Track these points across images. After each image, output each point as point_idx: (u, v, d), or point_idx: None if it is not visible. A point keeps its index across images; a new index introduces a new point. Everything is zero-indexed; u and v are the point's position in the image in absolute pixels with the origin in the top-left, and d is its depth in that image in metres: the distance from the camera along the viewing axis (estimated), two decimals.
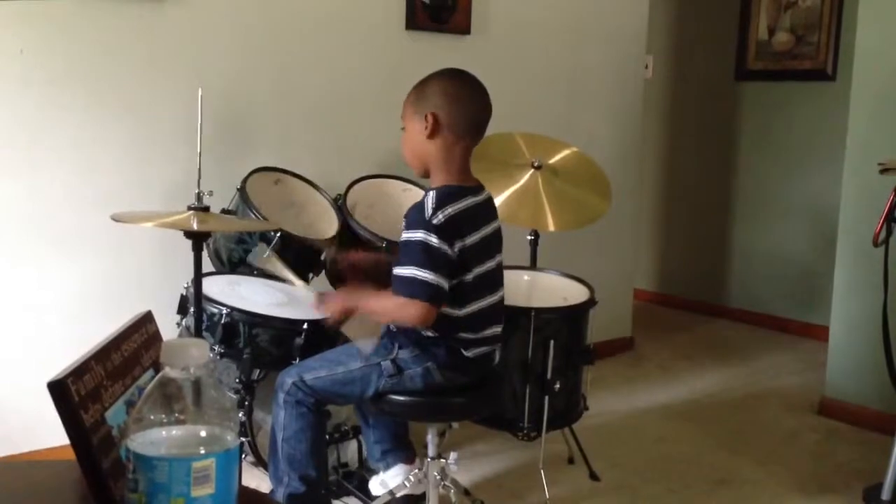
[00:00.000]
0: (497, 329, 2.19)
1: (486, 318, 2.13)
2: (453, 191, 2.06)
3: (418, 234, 1.98)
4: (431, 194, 2.04)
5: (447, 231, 1.99)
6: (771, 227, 4.94)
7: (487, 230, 2.12)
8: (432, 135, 2.06)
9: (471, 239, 2.04)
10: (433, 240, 1.97)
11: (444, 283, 1.99)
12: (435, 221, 1.98)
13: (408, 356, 2.11)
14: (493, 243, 2.17)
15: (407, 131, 2.13)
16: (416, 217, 2.02)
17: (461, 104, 2.06)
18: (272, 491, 2.21)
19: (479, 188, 2.15)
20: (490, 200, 2.20)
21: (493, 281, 2.16)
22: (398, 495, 2.37)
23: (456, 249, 2.00)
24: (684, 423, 3.47)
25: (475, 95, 2.10)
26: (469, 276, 2.05)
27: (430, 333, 2.09)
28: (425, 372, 2.11)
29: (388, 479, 2.45)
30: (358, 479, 2.57)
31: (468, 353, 2.12)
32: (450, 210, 2.00)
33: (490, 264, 2.13)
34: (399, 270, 2.00)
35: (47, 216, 2.71)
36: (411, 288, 1.97)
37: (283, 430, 2.16)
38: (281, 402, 2.17)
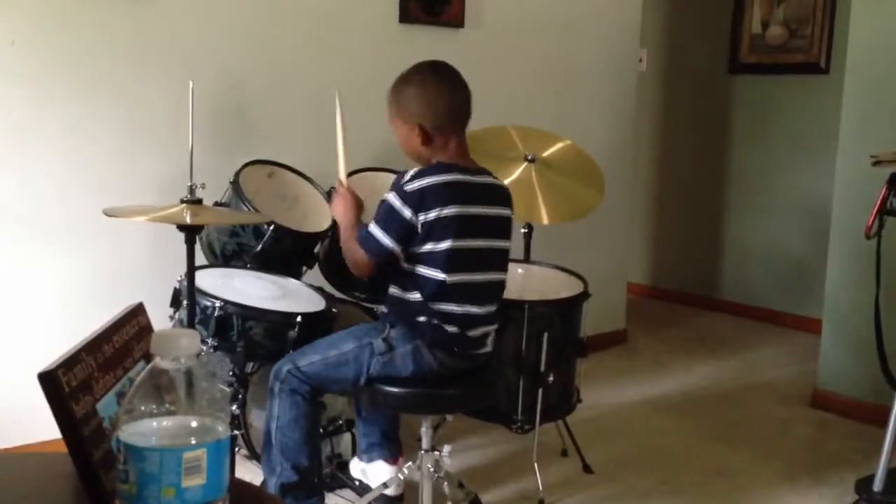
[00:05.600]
0: (481, 309, 2.18)
1: (471, 294, 2.15)
2: (441, 167, 2.11)
3: (389, 195, 2.10)
4: (418, 167, 2.14)
5: (412, 198, 2.07)
6: (764, 219, 4.95)
7: (478, 210, 2.14)
8: (426, 142, 2.15)
9: (447, 211, 2.07)
10: (397, 202, 2.08)
11: (392, 245, 2.08)
12: (407, 188, 2.07)
13: (398, 334, 2.15)
14: (490, 226, 2.19)
15: (398, 132, 2.20)
16: (395, 180, 2.13)
17: (440, 105, 2.15)
18: (264, 481, 2.21)
19: (477, 170, 2.20)
20: (494, 187, 2.23)
21: (484, 260, 2.19)
22: (377, 488, 2.39)
23: (420, 218, 2.06)
24: (677, 415, 3.48)
25: (449, 89, 2.17)
26: (442, 245, 2.07)
27: (415, 297, 2.13)
28: (415, 350, 2.13)
29: (367, 471, 2.49)
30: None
31: (450, 329, 2.13)
32: (426, 181, 2.07)
33: (478, 243, 2.15)
34: (369, 223, 2.14)
35: (39, 210, 2.70)
36: (364, 242, 2.12)
37: (277, 419, 2.18)
38: (276, 392, 2.18)
